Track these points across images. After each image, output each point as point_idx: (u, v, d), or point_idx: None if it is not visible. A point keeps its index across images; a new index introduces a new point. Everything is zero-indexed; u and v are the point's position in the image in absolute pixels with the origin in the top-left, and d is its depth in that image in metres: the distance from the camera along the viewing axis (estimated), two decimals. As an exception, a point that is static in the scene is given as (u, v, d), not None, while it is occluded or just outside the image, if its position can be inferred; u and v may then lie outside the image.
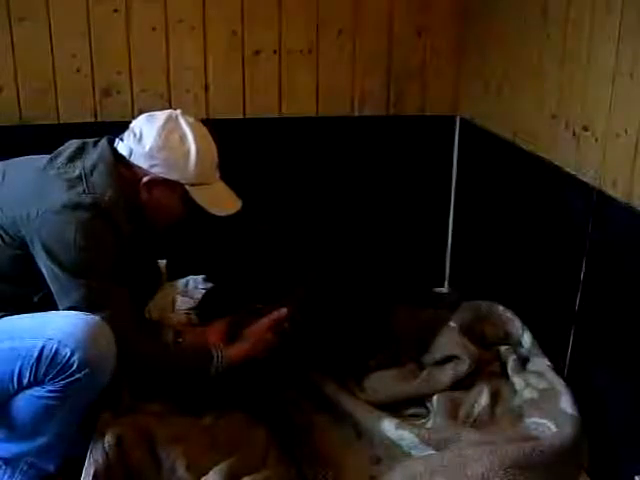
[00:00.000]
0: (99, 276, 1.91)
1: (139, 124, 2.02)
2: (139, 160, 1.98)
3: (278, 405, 2.14)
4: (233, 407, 2.11)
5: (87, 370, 1.77)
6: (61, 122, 2.72)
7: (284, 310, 2.22)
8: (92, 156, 1.97)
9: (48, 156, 2.00)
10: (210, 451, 1.92)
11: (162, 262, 2.55)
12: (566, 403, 2.00)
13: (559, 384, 2.08)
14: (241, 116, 2.82)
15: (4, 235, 1.90)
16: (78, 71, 2.69)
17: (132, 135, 1.99)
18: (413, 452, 1.95)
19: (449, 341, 2.32)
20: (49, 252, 1.85)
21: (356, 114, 2.90)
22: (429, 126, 2.94)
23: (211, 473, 1.83)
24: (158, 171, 1.98)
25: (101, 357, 1.80)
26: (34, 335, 1.79)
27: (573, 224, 2.12)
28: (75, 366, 1.76)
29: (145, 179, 1.98)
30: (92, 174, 1.93)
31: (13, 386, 1.82)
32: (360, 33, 2.80)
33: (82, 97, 2.72)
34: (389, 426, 2.02)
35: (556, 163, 2.18)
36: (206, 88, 2.78)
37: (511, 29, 2.45)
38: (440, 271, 3.14)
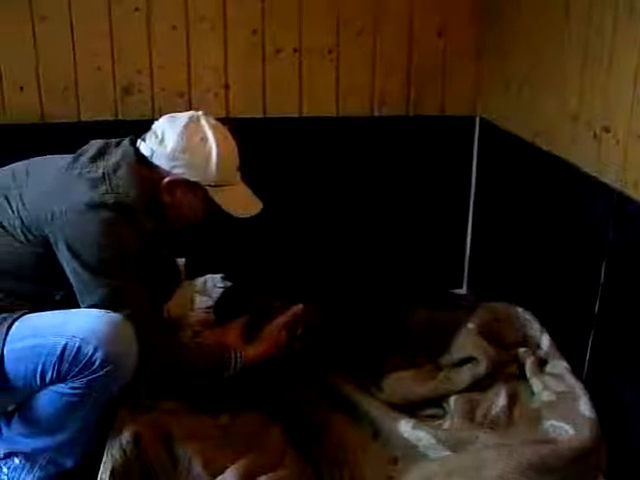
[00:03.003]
0: (121, 275, 1.92)
1: (161, 125, 2.03)
2: (160, 161, 1.99)
3: (295, 404, 2.14)
4: (250, 406, 2.11)
5: (109, 367, 1.78)
6: (82, 120, 2.74)
7: (299, 307, 2.23)
8: (115, 156, 1.99)
9: (71, 156, 2.01)
10: (226, 450, 1.92)
11: (181, 260, 2.55)
12: (584, 406, 1.99)
13: (577, 387, 2.07)
14: (261, 115, 2.82)
15: (27, 234, 1.91)
16: (99, 69, 2.71)
17: (154, 136, 2.01)
18: (430, 453, 1.95)
19: (467, 342, 2.31)
20: (72, 251, 1.87)
21: (376, 114, 2.90)
22: (449, 126, 2.93)
23: (227, 472, 1.83)
24: (179, 172, 2.00)
25: (123, 354, 1.82)
26: (57, 333, 1.80)
27: (593, 226, 2.10)
28: (97, 363, 1.77)
29: (166, 180, 2.00)
30: (115, 174, 1.94)
31: (36, 383, 1.83)
32: (380, 33, 2.80)
33: (103, 95, 2.74)
34: (406, 426, 2.01)
35: (576, 164, 2.16)
36: (226, 87, 2.79)
37: (532, 29, 2.44)
38: (459, 272, 3.13)
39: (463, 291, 3.12)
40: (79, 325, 1.80)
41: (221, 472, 1.84)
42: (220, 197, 2.04)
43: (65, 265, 1.90)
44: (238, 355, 2.08)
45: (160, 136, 2.00)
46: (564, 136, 2.24)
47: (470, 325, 2.38)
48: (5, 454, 2.05)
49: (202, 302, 2.61)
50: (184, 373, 2.05)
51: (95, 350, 1.77)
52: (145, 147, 2.01)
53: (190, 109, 2.51)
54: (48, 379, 1.81)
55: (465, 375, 2.20)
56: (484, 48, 2.82)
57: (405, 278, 2.91)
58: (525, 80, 2.50)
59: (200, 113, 2.06)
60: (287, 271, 2.83)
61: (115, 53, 2.70)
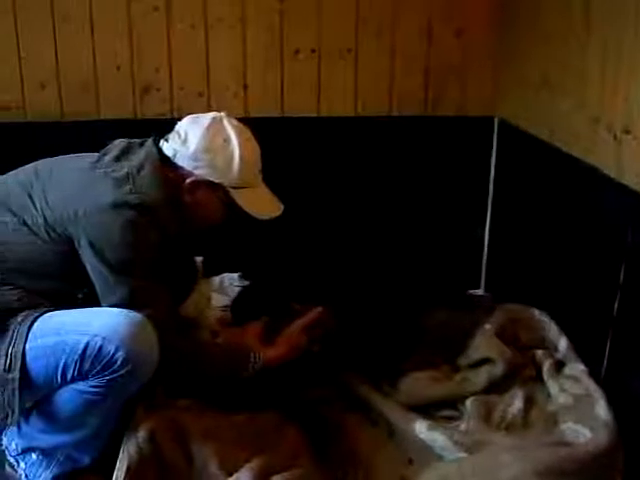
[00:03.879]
0: (143, 274, 1.93)
1: (184, 126, 2.05)
2: (183, 161, 2.01)
3: (310, 404, 2.14)
4: (265, 406, 2.11)
5: (130, 367, 1.79)
6: (101, 119, 2.76)
7: (319, 310, 2.23)
8: (139, 156, 2.00)
9: (94, 155, 2.02)
10: (241, 448, 1.93)
11: (198, 259, 2.56)
12: (602, 409, 1.97)
13: (595, 390, 2.06)
14: (279, 115, 2.82)
15: (51, 232, 1.92)
16: (118, 69, 2.73)
17: (177, 136, 2.02)
18: (445, 454, 1.94)
19: (484, 344, 2.30)
20: (95, 250, 1.88)
21: (394, 114, 2.89)
22: (467, 127, 2.92)
23: (242, 470, 1.83)
24: (202, 173, 2.01)
25: (144, 354, 1.82)
26: (79, 331, 1.81)
27: (612, 227, 2.09)
28: (119, 363, 1.78)
29: (188, 180, 2.01)
30: (139, 174, 1.95)
31: (57, 380, 1.84)
32: (399, 33, 2.79)
33: (122, 94, 2.76)
34: (421, 427, 2.01)
35: (596, 166, 2.15)
36: (245, 86, 2.80)
37: (551, 29, 2.42)
38: (476, 273, 3.12)
39: (480, 292, 3.10)
40: (101, 324, 1.81)
41: (236, 471, 1.84)
42: (241, 198, 2.05)
43: (88, 264, 1.92)
44: (257, 356, 2.08)
45: (183, 136, 2.01)
46: (584, 137, 2.22)
47: (487, 326, 2.37)
48: (23, 449, 2.06)
49: (219, 301, 2.61)
50: (203, 373, 2.06)
51: (117, 349, 1.77)
52: (168, 147, 2.03)
53: (209, 108, 2.56)
54: (69, 377, 1.83)
55: (482, 377, 2.20)
56: (503, 48, 2.81)
57: (423, 279, 2.90)
58: (544, 81, 2.48)
59: (223, 114, 2.07)
60: (304, 271, 2.83)
61: (134, 52, 2.72)
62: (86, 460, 2.03)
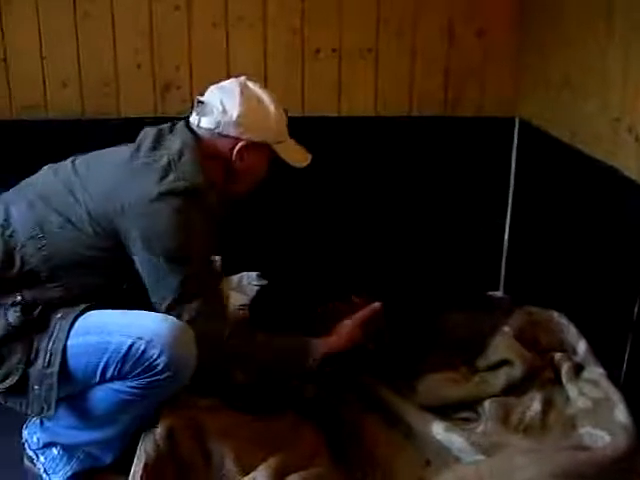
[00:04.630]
0: (195, 263, 1.94)
1: (215, 96, 2.06)
2: (228, 130, 2.03)
3: (328, 404, 2.14)
4: (283, 406, 2.12)
5: (170, 372, 1.82)
6: (121, 116, 2.77)
7: (376, 305, 2.22)
8: (175, 142, 2.01)
9: (129, 147, 2.03)
10: (258, 447, 1.93)
11: (217, 258, 2.56)
12: (621, 413, 1.96)
13: (614, 394, 2.04)
14: (300, 114, 2.82)
15: (96, 227, 1.93)
16: (139, 67, 2.74)
17: (213, 109, 2.03)
18: (462, 456, 1.94)
19: (503, 346, 2.29)
20: (145, 241, 1.89)
21: (414, 114, 2.89)
22: (488, 127, 2.91)
23: (258, 469, 1.84)
24: (247, 136, 2.04)
25: (185, 360, 1.84)
26: (123, 332, 1.83)
27: (633, 230, 2.07)
28: (160, 367, 1.81)
29: (238, 146, 2.04)
30: (180, 160, 1.96)
31: (95, 378, 1.87)
32: (420, 33, 2.79)
33: (143, 92, 2.77)
34: (439, 429, 2.00)
35: (617, 167, 2.13)
36: (265, 86, 2.79)
37: (573, 29, 2.41)
38: (495, 275, 3.11)
39: (500, 294, 3.09)
40: (146, 327, 1.83)
41: (253, 469, 1.84)
42: (283, 152, 2.11)
43: (137, 257, 1.92)
44: (315, 346, 2.07)
45: (220, 107, 2.03)
46: (605, 139, 2.21)
47: (506, 328, 2.36)
48: (45, 444, 2.08)
49: (238, 300, 2.61)
50: (261, 364, 2.05)
51: (160, 354, 1.80)
52: (208, 121, 2.04)
53: None
54: (108, 376, 1.85)
55: (500, 379, 2.19)
56: (524, 49, 2.80)
57: (442, 280, 2.89)
58: (566, 82, 2.47)
59: (243, 78, 2.12)
60: (322, 271, 2.83)
61: (155, 50, 2.73)
62: (108, 459, 2.05)
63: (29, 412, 1.91)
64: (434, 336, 2.41)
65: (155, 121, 2.72)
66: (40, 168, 2.10)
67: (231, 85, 2.08)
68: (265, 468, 1.84)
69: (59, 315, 1.89)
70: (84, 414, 1.96)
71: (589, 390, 2.11)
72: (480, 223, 3.01)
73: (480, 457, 1.91)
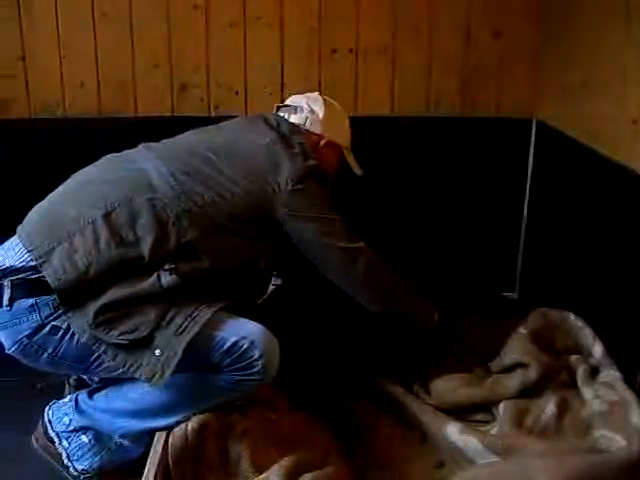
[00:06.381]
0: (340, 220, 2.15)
1: (302, 101, 2.29)
2: (315, 127, 2.26)
3: (342, 405, 2.14)
4: (297, 405, 2.13)
5: (261, 376, 1.88)
6: (138, 116, 2.78)
7: None
8: (289, 130, 2.19)
9: (262, 134, 2.14)
10: (274, 447, 1.94)
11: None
12: (636, 417, 1.95)
13: (630, 397, 2.03)
14: (316, 114, 2.83)
15: (233, 223, 2.01)
16: (157, 66, 2.75)
17: (303, 108, 2.27)
18: (477, 458, 1.94)
19: (518, 348, 2.28)
20: (302, 216, 2.07)
21: (431, 115, 2.88)
22: (505, 128, 2.90)
23: (272, 469, 1.84)
24: (329, 135, 2.27)
25: (274, 369, 1.91)
26: (231, 330, 1.88)
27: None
28: (256, 369, 1.87)
29: (322, 142, 2.26)
30: (302, 146, 2.15)
31: (193, 365, 1.90)
32: (436, 33, 2.79)
33: (160, 92, 2.78)
34: (453, 430, 2.01)
35: (636, 170, 2.12)
36: (282, 85, 2.81)
37: (591, 30, 2.40)
38: (511, 276, 3.10)
39: (515, 296, 3.08)
40: (251, 330, 1.90)
41: (267, 469, 1.85)
42: (348, 156, 2.37)
43: (295, 232, 2.10)
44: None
45: (308, 107, 2.27)
46: (623, 141, 2.20)
47: (522, 330, 2.35)
48: (76, 428, 2.04)
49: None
50: (403, 306, 2.27)
51: (259, 357, 1.86)
52: (298, 118, 2.26)
53: (246, 107, 2.65)
54: (207, 365, 1.89)
55: (515, 381, 2.18)
56: (542, 50, 2.79)
57: (457, 282, 2.89)
58: (584, 83, 2.46)
59: (316, 93, 2.36)
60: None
61: (173, 50, 2.74)
62: (136, 453, 2.03)
63: (137, 375, 1.83)
64: (449, 337, 2.40)
65: (172, 120, 2.76)
66: (58, 167, 2.10)
67: (312, 94, 2.34)
68: (279, 468, 1.84)
69: (205, 305, 1.89)
70: (147, 400, 1.95)
71: (604, 393, 2.10)
72: (496, 224, 3.01)
73: (494, 459, 1.91)
